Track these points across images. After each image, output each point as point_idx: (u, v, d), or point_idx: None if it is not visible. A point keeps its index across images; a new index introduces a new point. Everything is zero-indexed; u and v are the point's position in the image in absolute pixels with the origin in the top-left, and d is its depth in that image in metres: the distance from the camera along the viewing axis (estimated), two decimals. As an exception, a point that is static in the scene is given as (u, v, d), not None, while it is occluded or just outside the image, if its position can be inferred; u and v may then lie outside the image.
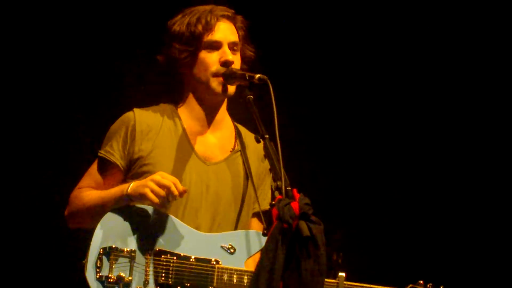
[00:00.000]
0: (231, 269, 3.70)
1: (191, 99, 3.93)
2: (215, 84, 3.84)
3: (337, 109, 6.17)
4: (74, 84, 5.45)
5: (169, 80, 3.95)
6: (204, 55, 3.84)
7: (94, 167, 3.87)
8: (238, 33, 3.92)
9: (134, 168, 3.80)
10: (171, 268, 3.63)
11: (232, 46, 3.87)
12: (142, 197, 3.60)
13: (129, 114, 3.87)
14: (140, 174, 3.76)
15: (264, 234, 3.47)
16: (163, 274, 3.61)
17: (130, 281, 3.57)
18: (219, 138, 3.95)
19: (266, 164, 3.40)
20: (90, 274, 3.53)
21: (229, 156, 3.94)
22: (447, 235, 6.15)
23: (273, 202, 3.10)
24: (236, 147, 3.98)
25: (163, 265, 3.62)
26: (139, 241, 3.62)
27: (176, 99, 3.96)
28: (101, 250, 3.56)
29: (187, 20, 3.85)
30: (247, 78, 3.63)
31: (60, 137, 5.42)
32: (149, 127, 3.84)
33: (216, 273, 3.68)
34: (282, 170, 3.21)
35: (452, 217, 6.18)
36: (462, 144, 6.23)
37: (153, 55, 3.93)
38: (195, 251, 3.68)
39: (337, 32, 6.10)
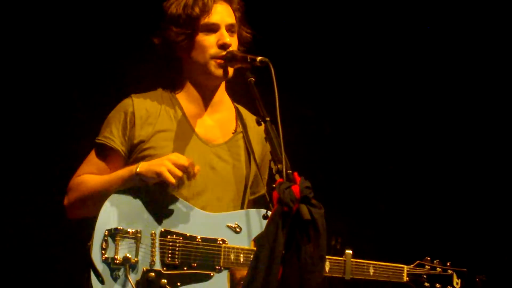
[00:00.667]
0: (237, 248, 3.68)
1: (188, 83, 3.90)
2: (214, 66, 3.80)
3: (339, 98, 6.20)
4: (73, 83, 5.45)
5: (166, 64, 3.91)
6: (202, 37, 3.81)
7: (93, 154, 3.83)
8: (235, 14, 3.88)
9: (135, 153, 3.77)
10: (177, 249, 3.60)
11: (229, 28, 3.83)
12: (158, 176, 3.55)
13: (127, 100, 3.85)
14: (141, 159, 3.72)
15: (264, 217, 3.45)
16: (170, 255, 3.59)
17: (137, 262, 3.53)
18: (219, 119, 3.93)
19: (268, 146, 3.38)
20: (96, 256, 3.50)
21: (231, 138, 3.92)
22: (455, 212, 6.18)
23: (274, 185, 3.08)
24: (238, 128, 3.96)
25: (169, 245, 3.60)
26: (145, 222, 3.59)
27: (174, 83, 3.92)
28: (106, 231, 3.53)
29: (184, 2, 3.81)
30: (249, 60, 3.60)
31: (57, 134, 5.41)
32: (148, 112, 3.81)
33: (222, 253, 3.66)
34: (283, 153, 3.20)
35: (459, 193, 6.19)
36: (462, 133, 6.27)
37: (149, 38, 3.88)
38: (201, 231, 3.66)
39: (337, 32, 6.11)
